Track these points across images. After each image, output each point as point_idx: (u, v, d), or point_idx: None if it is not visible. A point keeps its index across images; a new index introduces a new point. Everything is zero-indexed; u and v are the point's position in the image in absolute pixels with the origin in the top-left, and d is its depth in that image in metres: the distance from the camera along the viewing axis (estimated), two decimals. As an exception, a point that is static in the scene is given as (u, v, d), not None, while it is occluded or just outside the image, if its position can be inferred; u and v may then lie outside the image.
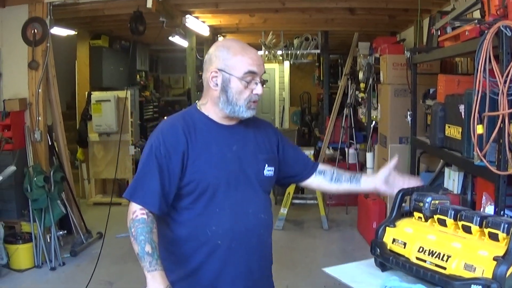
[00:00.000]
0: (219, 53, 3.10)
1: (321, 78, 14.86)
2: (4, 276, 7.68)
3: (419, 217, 2.89)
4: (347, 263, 3.27)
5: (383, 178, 3.35)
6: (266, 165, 3.25)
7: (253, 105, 3.10)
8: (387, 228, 2.95)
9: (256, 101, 3.11)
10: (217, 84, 3.10)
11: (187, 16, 10.37)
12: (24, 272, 7.84)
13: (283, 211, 9.97)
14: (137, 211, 2.93)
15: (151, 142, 3.07)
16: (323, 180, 3.53)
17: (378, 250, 2.90)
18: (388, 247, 2.87)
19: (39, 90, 8.56)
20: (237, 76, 3.04)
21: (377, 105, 9.73)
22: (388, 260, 2.79)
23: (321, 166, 3.58)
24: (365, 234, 9.18)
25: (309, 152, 10.12)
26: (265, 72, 3.13)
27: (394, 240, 2.86)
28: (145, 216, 2.91)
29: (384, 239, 2.93)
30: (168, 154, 2.99)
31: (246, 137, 3.24)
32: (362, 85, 10.59)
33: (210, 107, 3.17)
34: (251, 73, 3.05)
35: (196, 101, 3.31)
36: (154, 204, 2.95)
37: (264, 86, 3.14)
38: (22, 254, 7.88)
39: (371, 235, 8.46)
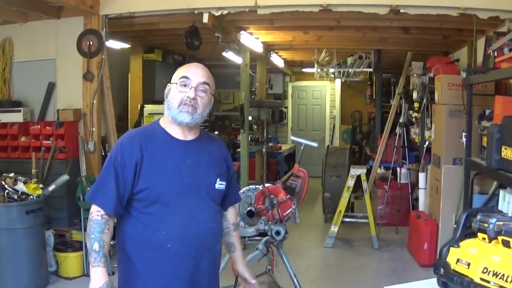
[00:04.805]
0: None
1: (373, 97, 14.79)
2: (53, 283, 7.79)
3: (483, 238, 2.87)
4: (407, 283, 3.25)
5: (239, 271, 4.00)
6: (218, 179, 3.60)
7: (186, 108, 3.41)
8: (451, 248, 2.93)
9: (189, 105, 3.42)
10: (166, 95, 3.55)
11: (242, 32, 10.40)
12: (72, 280, 7.94)
13: (334, 229, 9.92)
14: (94, 212, 3.37)
15: (112, 151, 3.49)
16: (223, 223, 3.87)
17: (442, 270, 2.89)
18: (452, 267, 2.86)
19: (94, 101, 8.68)
20: (174, 82, 3.50)
21: (431, 125, 9.64)
22: (452, 280, 2.77)
23: (228, 212, 3.97)
24: (415, 255, 9.07)
25: (361, 171, 10.08)
26: (206, 83, 3.51)
27: (458, 260, 2.84)
28: (99, 218, 3.34)
29: (448, 259, 2.91)
30: (124, 163, 3.35)
31: (200, 152, 3.57)
32: (416, 105, 10.49)
33: (166, 120, 3.55)
34: (184, 77, 3.46)
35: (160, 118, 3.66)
36: (110, 207, 3.35)
37: (206, 98, 3.51)
38: (72, 262, 7.98)
39: (422, 256, 8.45)
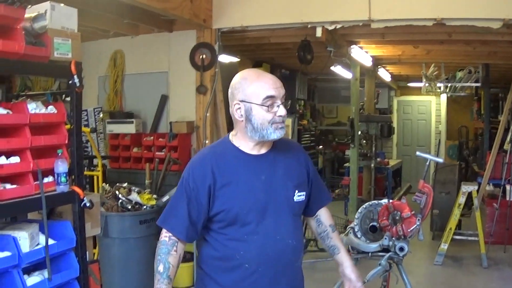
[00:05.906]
0: (238, 85, 3.32)
1: (481, 112, 14.56)
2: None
3: None
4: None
5: (345, 274, 3.74)
6: (297, 191, 3.42)
7: (280, 125, 3.27)
8: None
9: (282, 122, 3.28)
10: (241, 115, 3.30)
11: (353, 46, 10.41)
12: (184, 291, 7.86)
13: (444, 246, 9.75)
14: (163, 233, 3.36)
15: (183, 175, 3.40)
16: (316, 228, 3.83)
17: None
18: None
19: (207, 114, 8.78)
20: (257, 103, 3.23)
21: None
22: None
23: (321, 215, 3.82)
24: (525, 274, 8.90)
25: (473, 187, 9.91)
26: (285, 94, 3.31)
27: None
28: (166, 239, 3.33)
29: None
30: (196, 187, 3.29)
31: (276, 165, 3.41)
32: (526, 120, 10.31)
33: (241, 138, 3.39)
34: (270, 97, 3.22)
35: (229, 133, 3.52)
36: (181, 232, 3.32)
37: (288, 106, 3.35)
38: (182, 272, 7.92)
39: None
